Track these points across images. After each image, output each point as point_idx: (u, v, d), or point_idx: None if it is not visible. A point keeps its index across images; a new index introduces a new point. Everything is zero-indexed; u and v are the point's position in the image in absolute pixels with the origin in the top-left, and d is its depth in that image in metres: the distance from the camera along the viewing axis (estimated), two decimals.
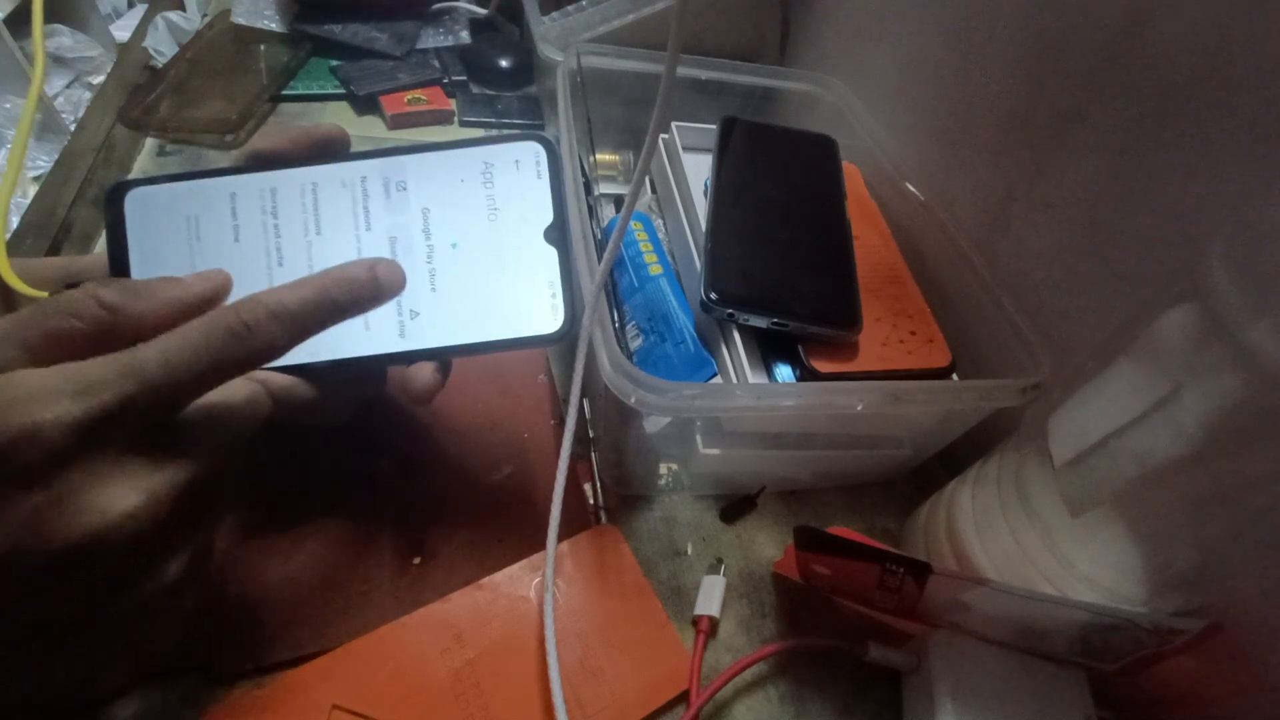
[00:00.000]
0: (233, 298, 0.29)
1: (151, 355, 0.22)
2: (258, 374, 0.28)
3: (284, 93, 0.61)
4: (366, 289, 0.27)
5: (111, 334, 0.23)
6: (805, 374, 0.36)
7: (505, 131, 0.63)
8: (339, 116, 0.62)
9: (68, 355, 0.21)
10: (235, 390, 0.25)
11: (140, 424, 0.21)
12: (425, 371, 0.30)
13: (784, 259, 0.39)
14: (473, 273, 0.31)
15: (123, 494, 0.21)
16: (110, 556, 0.21)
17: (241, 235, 0.30)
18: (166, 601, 0.23)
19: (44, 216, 0.47)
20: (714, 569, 0.37)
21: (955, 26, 0.44)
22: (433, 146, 0.31)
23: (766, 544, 0.40)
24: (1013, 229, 0.41)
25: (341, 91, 0.62)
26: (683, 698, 0.33)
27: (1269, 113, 0.28)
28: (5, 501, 0.19)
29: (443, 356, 0.31)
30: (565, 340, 0.31)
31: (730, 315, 0.36)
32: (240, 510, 0.34)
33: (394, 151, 0.31)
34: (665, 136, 0.47)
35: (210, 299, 0.26)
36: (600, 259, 0.31)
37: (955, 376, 0.38)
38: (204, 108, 0.57)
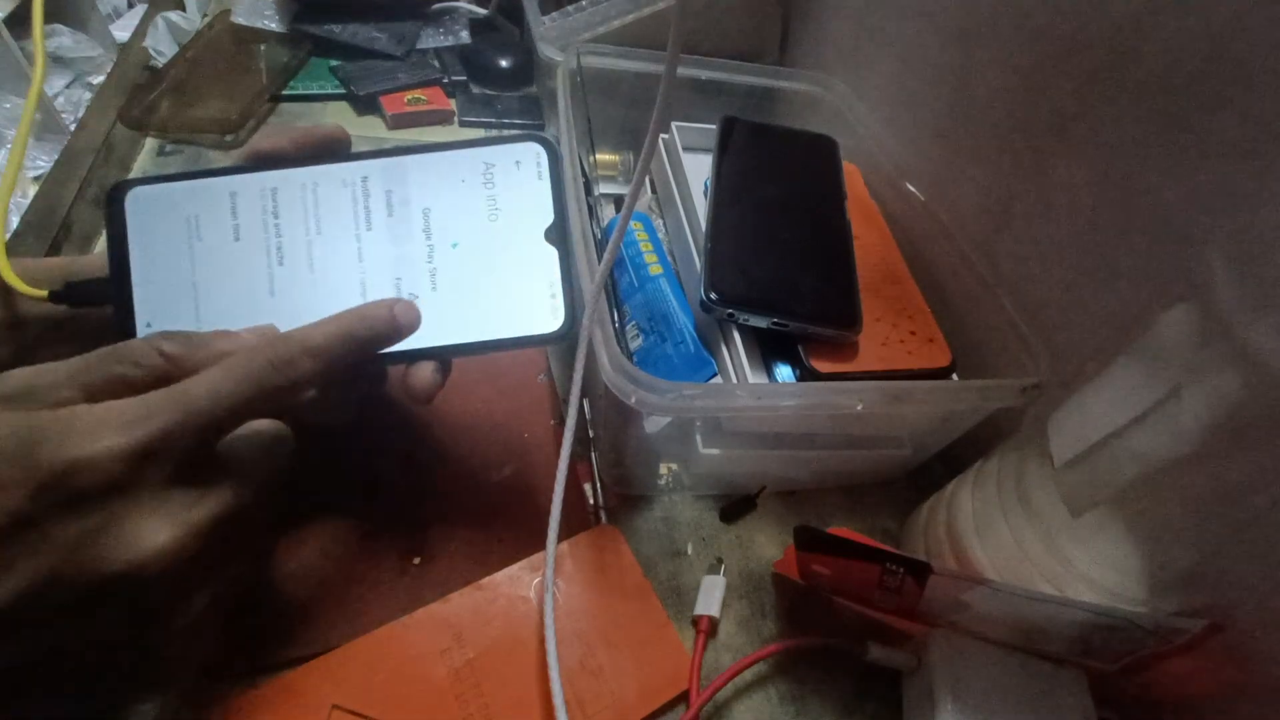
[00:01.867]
0: (235, 295, 0.30)
1: (199, 387, 0.23)
2: None
3: (284, 93, 0.61)
4: (386, 326, 0.29)
5: (167, 383, 0.24)
6: (805, 374, 0.36)
7: (505, 131, 0.63)
8: (339, 116, 0.62)
9: (127, 396, 0.22)
10: (266, 425, 0.26)
11: (184, 453, 0.22)
12: (426, 371, 0.30)
13: (784, 259, 0.39)
14: (473, 272, 0.31)
15: (162, 526, 0.22)
16: (145, 588, 0.21)
17: (242, 234, 0.30)
18: (193, 633, 0.24)
19: (44, 216, 0.47)
20: (714, 569, 0.37)
21: (955, 26, 0.44)
22: (434, 147, 0.31)
23: (766, 544, 0.40)
24: (1013, 229, 0.41)
25: (341, 91, 0.62)
26: (683, 698, 0.33)
27: (1269, 113, 0.28)
28: (50, 527, 0.20)
29: (443, 356, 0.31)
30: (565, 340, 0.31)
31: (730, 315, 0.36)
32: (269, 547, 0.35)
33: (395, 152, 0.31)
34: (665, 136, 0.47)
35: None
36: (600, 259, 0.31)
37: (955, 376, 0.38)
38: (204, 108, 0.57)
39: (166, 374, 0.24)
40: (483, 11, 0.72)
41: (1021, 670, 0.31)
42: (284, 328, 0.29)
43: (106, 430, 0.21)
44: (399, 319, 0.29)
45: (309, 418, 0.31)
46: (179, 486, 0.22)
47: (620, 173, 0.54)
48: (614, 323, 0.40)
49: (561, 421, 0.38)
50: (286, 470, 0.27)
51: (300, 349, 0.25)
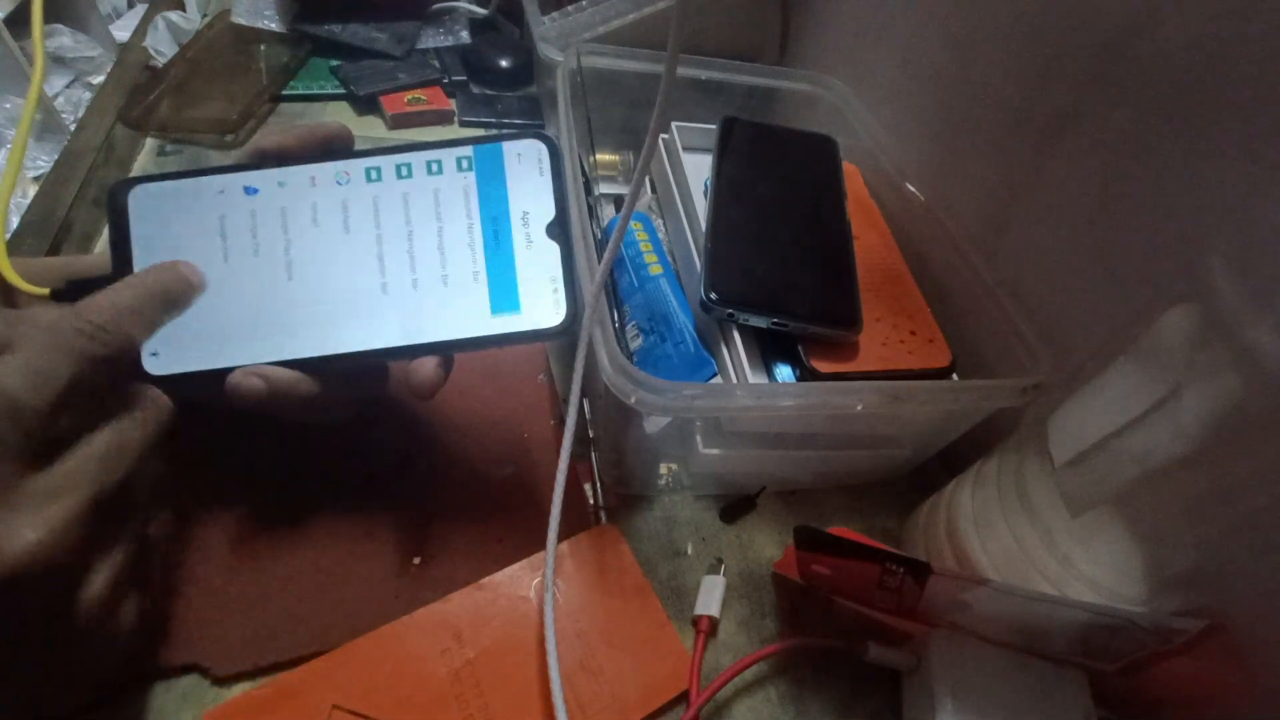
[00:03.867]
0: (241, 294, 0.30)
1: (11, 376, 0.21)
2: (262, 369, 0.28)
3: (284, 93, 0.61)
4: (180, 283, 0.28)
5: None
6: (805, 374, 0.36)
7: (505, 131, 0.63)
8: (339, 116, 0.62)
9: None
10: (123, 401, 0.25)
11: (19, 445, 0.21)
12: (428, 366, 0.30)
13: (784, 259, 0.39)
14: (476, 267, 0.31)
15: (25, 524, 0.20)
16: (26, 590, 0.20)
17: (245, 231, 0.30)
18: (103, 616, 0.23)
19: (44, 216, 0.47)
20: (714, 569, 0.37)
21: (955, 26, 0.44)
22: (435, 144, 0.31)
23: (766, 544, 0.40)
24: (1013, 229, 0.41)
25: (341, 91, 0.62)
26: (683, 698, 0.33)
27: (1269, 113, 0.28)
28: None
29: (445, 351, 0.31)
30: (567, 335, 0.31)
31: (730, 315, 0.36)
32: (173, 507, 0.33)
33: (396, 149, 0.31)
34: (665, 136, 0.47)
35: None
36: (600, 259, 0.31)
37: (955, 376, 0.38)
38: (204, 108, 0.57)
39: None
40: (483, 11, 0.72)
41: (1021, 670, 0.31)
42: (286, 322, 0.29)
43: None
44: (185, 273, 0.29)
45: (308, 416, 0.31)
46: (33, 478, 0.21)
47: (620, 173, 0.54)
48: (614, 322, 0.40)
49: (561, 421, 0.38)
50: (168, 433, 0.26)
51: (112, 309, 0.25)
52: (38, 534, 0.20)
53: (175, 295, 0.28)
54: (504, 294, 0.31)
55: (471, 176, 0.31)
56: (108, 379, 0.24)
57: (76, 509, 0.22)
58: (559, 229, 0.31)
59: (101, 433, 0.24)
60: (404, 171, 0.31)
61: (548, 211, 0.31)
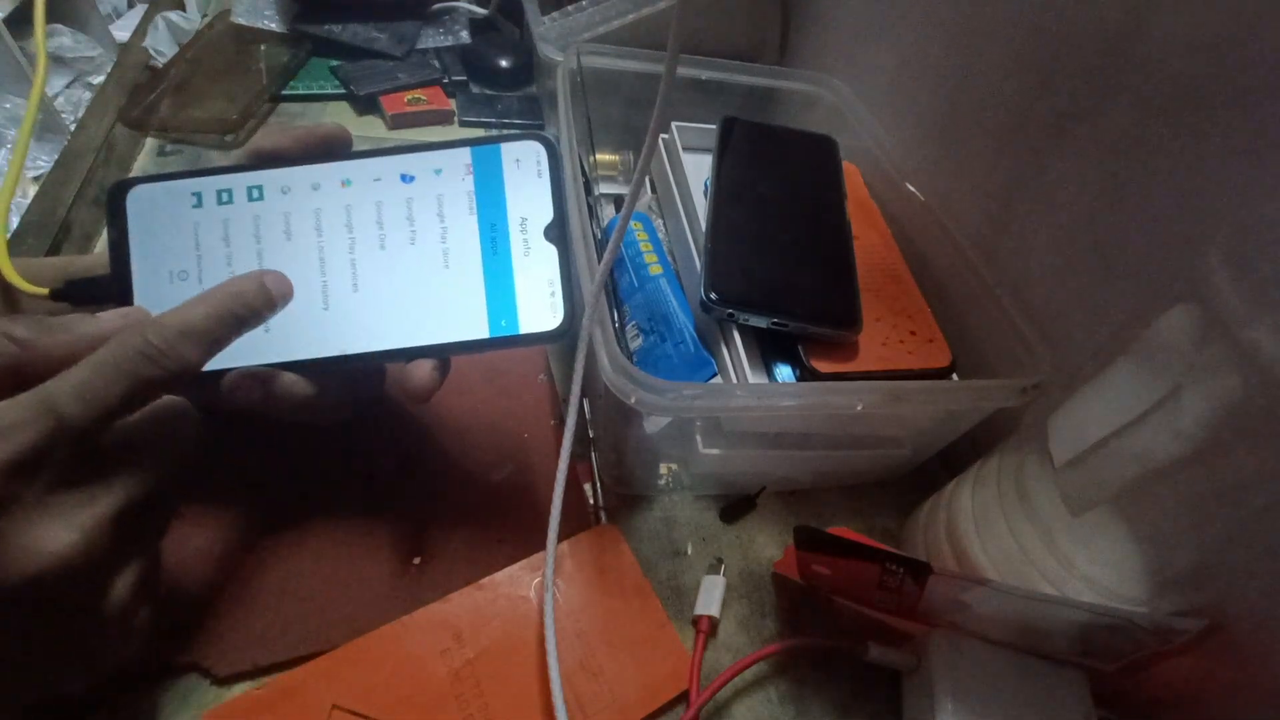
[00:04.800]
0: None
1: (65, 389, 0.21)
2: (259, 371, 0.28)
3: (284, 93, 0.61)
4: (260, 299, 0.28)
5: (24, 370, 0.23)
6: (805, 374, 0.36)
7: (505, 131, 0.63)
8: (339, 116, 0.62)
9: None
10: (164, 404, 0.25)
11: (64, 459, 0.21)
12: (424, 369, 0.30)
13: (784, 259, 0.39)
14: (473, 270, 0.31)
15: (55, 533, 0.21)
16: (55, 590, 0.21)
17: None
18: (121, 616, 0.23)
19: (44, 216, 0.47)
20: (714, 569, 0.37)
21: (955, 26, 0.44)
22: (433, 145, 0.31)
23: (766, 544, 0.40)
24: (1013, 229, 0.41)
25: (341, 91, 0.62)
26: (683, 698, 0.33)
27: (1269, 113, 0.28)
28: None
29: (441, 354, 0.31)
30: (565, 338, 0.31)
31: (730, 315, 0.36)
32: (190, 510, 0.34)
33: (395, 150, 0.31)
34: (665, 136, 0.47)
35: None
36: (600, 259, 0.31)
37: (955, 376, 0.38)
38: (204, 108, 0.57)
39: (24, 361, 0.23)
40: (483, 11, 0.72)
41: (1021, 670, 0.31)
42: (280, 327, 0.29)
43: None
44: (271, 289, 0.28)
45: (305, 418, 0.31)
46: (66, 489, 0.21)
47: (620, 173, 0.54)
48: (614, 323, 0.40)
49: (561, 421, 0.38)
50: (195, 446, 0.26)
51: (178, 334, 0.24)
52: (66, 541, 0.21)
53: (254, 311, 0.27)
54: (501, 298, 0.30)
55: (470, 179, 0.31)
56: (158, 395, 0.25)
57: (109, 515, 0.22)
58: (557, 232, 0.31)
59: (139, 443, 0.24)
60: (404, 175, 0.31)
61: (546, 214, 0.31)
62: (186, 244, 0.30)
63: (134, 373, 0.23)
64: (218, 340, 0.26)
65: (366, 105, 0.62)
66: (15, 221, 0.47)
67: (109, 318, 0.26)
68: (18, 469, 0.20)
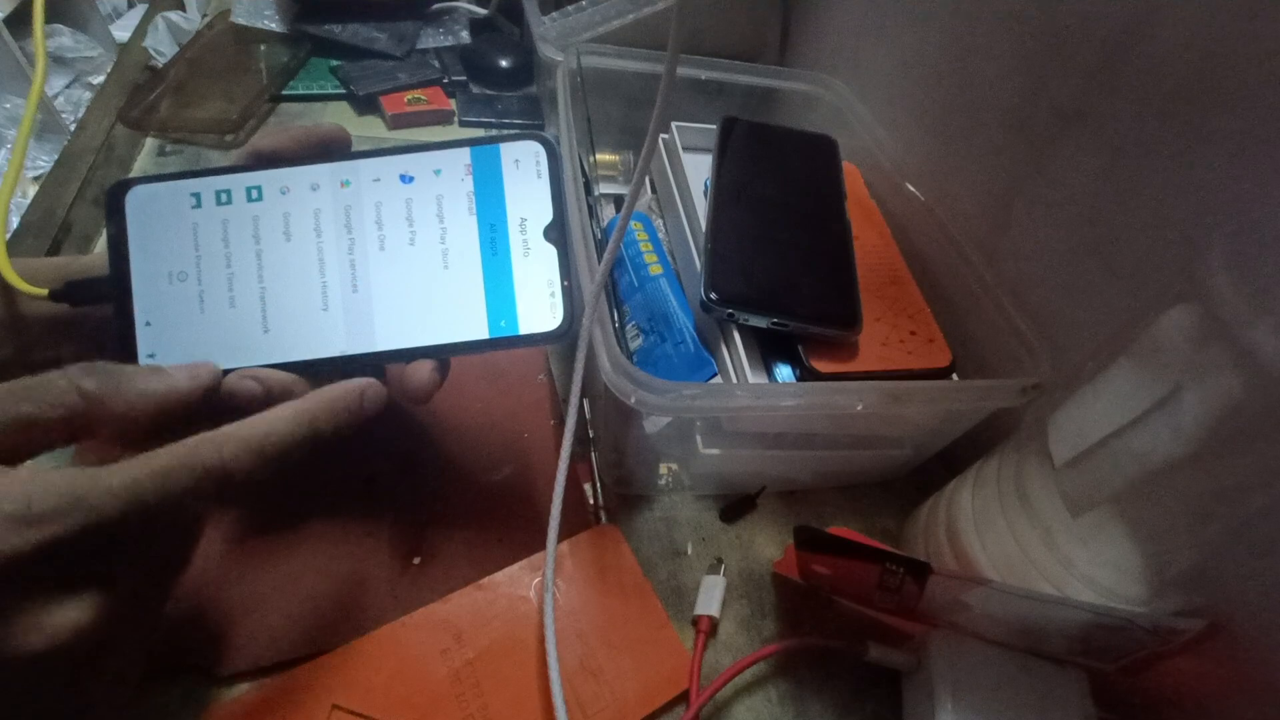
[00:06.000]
0: (239, 296, 0.30)
1: (114, 486, 0.20)
2: (257, 372, 0.28)
3: (284, 93, 0.61)
4: (354, 418, 0.27)
5: (83, 423, 0.22)
6: (805, 374, 0.36)
7: (505, 131, 0.63)
8: (339, 116, 0.62)
9: (38, 437, 0.21)
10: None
11: (88, 551, 0.20)
12: (423, 370, 0.30)
13: (784, 259, 0.39)
14: (472, 271, 0.31)
15: (65, 614, 0.20)
16: (55, 669, 0.20)
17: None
18: (114, 686, 0.23)
19: (44, 216, 0.47)
20: (714, 569, 0.37)
21: (955, 26, 0.44)
22: (433, 146, 0.31)
23: (766, 544, 0.40)
24: (1013, 229, 0.41)
25: (341, 91, 0.62)
26: (683, 698, 0.33)
27: (1269, 113, 0.28)
28: None
29: (440, 355, 0.31)
30: (565, 339, 0.31)
31: (730, 315, 0.36)
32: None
33: (394, 151, 0.31)
34: (665, 136, 0.47)
35: (194, 396, 0.25)
36: (600, 259, 0.31)
37: (955, 376, 0.38)
38: (204, 108, 0.57)
39: (83, 416, 0.22)
40: (483, 11, 0.72)
41: (1021, 670, 0.31)
42: (280, 328, 0.29)
43: (2, 526, 0.19)
44: (368, 408, 0.27)
45: None
46: (81, 573, 0.21)
47: (620, 173, 0.54)
48: (614, 323, 0.40)
49: (561, 421, 0.38)
50: (193, 542, 0.25)
51: (251, 453, 0.23)
52: (79, 619, 0.20)
53: (340, 427, 0.26)
54: (501, 298, 0.30)
55: (469, 180, 0.31)
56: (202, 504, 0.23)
57: (121, 599, 0.22)
58: (557, 232, 0.31)
59: (160, 533, 0.23)
60: (403, 176, 0.31)
61: (545, 214, 0.31)
62: (185, 244, 0.30)
63: (192, 489, 0.22)
64: (290, 459, 0.24)
65: (366, 105, 0.62)
66: (15, 221, 0.47)
67: (177, 375, 0.25)
68: (40, 559, 0.19)
